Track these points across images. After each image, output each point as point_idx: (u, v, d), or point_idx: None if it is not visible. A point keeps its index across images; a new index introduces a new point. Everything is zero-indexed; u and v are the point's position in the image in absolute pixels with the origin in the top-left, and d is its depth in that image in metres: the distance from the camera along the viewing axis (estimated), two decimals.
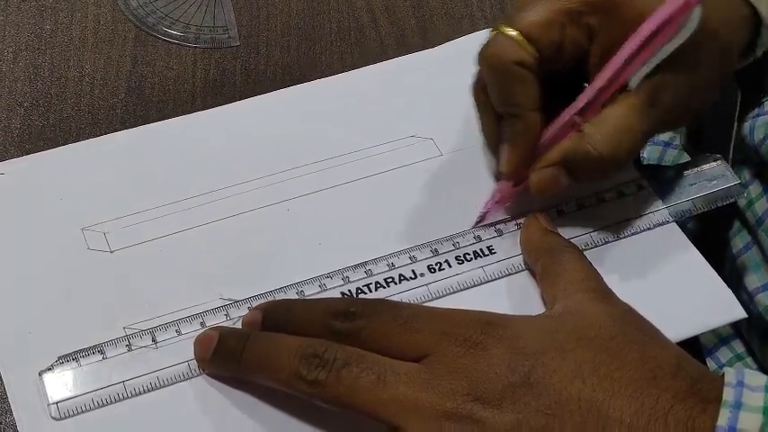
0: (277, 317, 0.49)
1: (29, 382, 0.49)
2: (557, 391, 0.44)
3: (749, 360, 0.67)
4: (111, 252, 0.54)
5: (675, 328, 0.51)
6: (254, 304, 0.52)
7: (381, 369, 0.45)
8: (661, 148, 0.76)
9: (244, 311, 0.51)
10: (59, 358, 0.49)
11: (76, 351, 0.50)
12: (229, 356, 0.48)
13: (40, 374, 0.49)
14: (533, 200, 0.56)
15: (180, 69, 0.69)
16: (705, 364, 0.66)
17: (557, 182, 0.54)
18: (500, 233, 0.56)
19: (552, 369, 0.45)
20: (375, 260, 0.54)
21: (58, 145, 0.62)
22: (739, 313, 0.54)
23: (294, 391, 0.47)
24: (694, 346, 0.66)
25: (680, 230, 0.57)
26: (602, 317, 0.48)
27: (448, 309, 0.49)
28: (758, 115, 0.63)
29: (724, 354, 0.67)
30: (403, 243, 0.55)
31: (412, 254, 0.55)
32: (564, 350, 0.46)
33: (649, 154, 0.76)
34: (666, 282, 0.55)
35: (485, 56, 0.54)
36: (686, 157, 0.71)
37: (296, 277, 0.53)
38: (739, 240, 0.65)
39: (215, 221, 0.56)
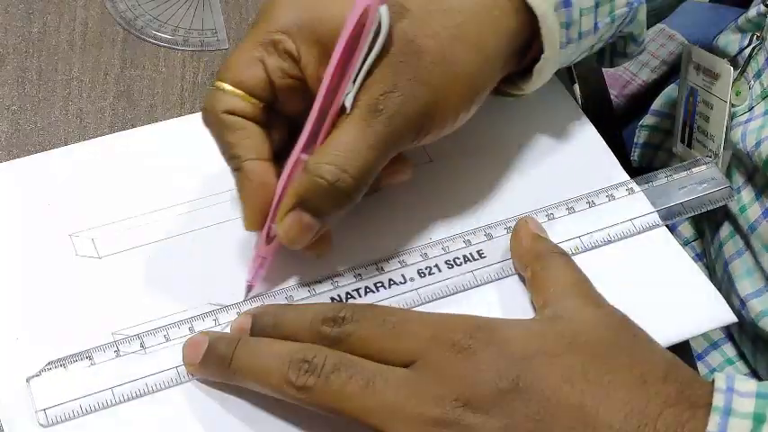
0: (266, 322, 0.49)
1: (16, 388, 0.49)
2: (545, 397, 0.44)
3: (740, 364, 0.67)
4: (100, 258, 0.54)
5: (665, 332, 0.51)
6: (243, 309, 0.51)
7: (370, 375, 0.45)
8: (651, 152, 0.76)
9: (233, 316, 0.51)
10: (47, 364, 0.49)
11: (64, 357, 0.49)
12: (219, 362, 0.48)
13: (27, 380, 0.49)
14: (515, 205, 0.56)
15: (169, 72, 0.68)
16: (696, 368, 0.66)
17: (302, 226, 0.50)
18: (490, 237, 0.55)
19: (541, 374, 0.45)
20: (364, 264, 0.54)
21: (45, 149, 0.62)
22: (729, 317, 0.54)
23: (283, 397, 0.47)
24: (685, 351, 0.66)
25: (669, 234, 0.57)
26: (591, 321, 0.48)
27: (437, 313, 0.49)
28: (749, 120, 0.63)
29: (714, 358, 0.67)
30: (392, 247, 0.55)
31: (401, 258, 0.54)
32: (553, 355, 0.46)
33: (640, 157, 0.76)
34: (656, 285, 0.55)
35: (202, 114, 0.52)
36: (677, 161, 0.71)
37: (284, 283, 0.53)
38: (732, 246, 0.65)
39: (204, 227, 0.56)
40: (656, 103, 0.79)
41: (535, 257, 0.53)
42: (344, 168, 0.49)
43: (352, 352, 0.46)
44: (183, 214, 0.56)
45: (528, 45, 0.55)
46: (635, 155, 0.77)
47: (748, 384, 0.45)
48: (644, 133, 0.78)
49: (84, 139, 0.63)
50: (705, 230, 0.68)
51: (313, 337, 0.47)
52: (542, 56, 0.55)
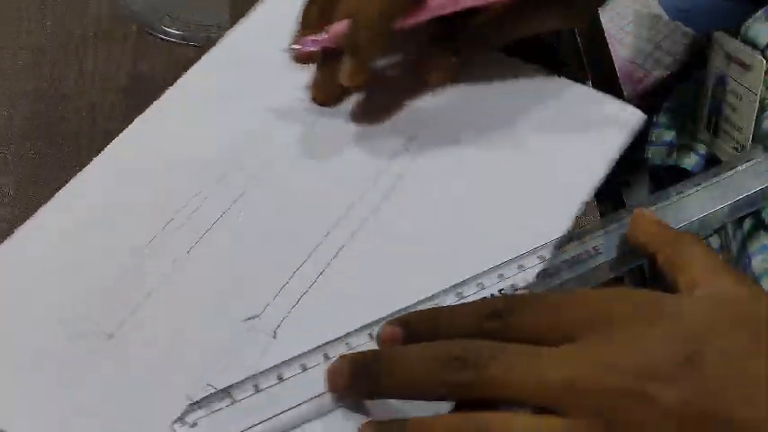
0: (419, 329, 0.46)
1: None
2: (721, 370, 0.43)
3: None
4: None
5: None
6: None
7: (532, 354, 0.44)
8: (665, 149, 0.76)
9: (364, 340, 0.48)
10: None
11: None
12: (367, 380, 0.45)
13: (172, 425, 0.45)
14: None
15: (180, 68, 0.68)
16: None
17: None
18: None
19: (715, 350, 0.44)
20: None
21: (57, 143, 0.62)
22: None
23: (443, 398, 0.45)
24: None
25: None
26: (750, 300, 0.47)
27: (595, 290, 0.49)
28: None
29: None
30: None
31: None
32: (722, 335, 0.44)
33: (653, 155, 0.76)
34: None
35: None
36: (688, 156, 0.71)
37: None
38: (755, 242, 0.64)
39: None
40: (670, 101, 0.78)
41: (667, 242, 0.51)
42: None
43: (518, 341, 0.44)
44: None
45: None
46: (648, 152, 0.77)
47: None
48: (657, 130, 0.77)
49: (95, 133, 0.63)
50: (726, 225, 0.68)
51: (474, 336, 0.45)
52: None
